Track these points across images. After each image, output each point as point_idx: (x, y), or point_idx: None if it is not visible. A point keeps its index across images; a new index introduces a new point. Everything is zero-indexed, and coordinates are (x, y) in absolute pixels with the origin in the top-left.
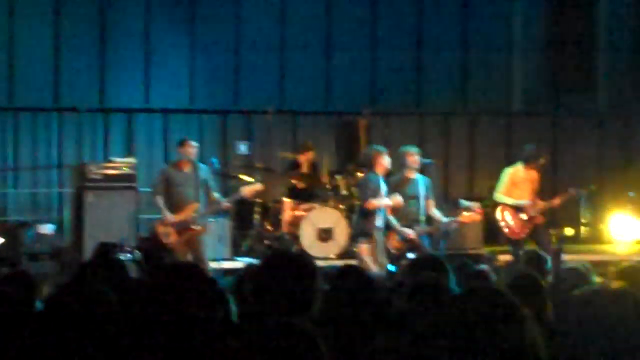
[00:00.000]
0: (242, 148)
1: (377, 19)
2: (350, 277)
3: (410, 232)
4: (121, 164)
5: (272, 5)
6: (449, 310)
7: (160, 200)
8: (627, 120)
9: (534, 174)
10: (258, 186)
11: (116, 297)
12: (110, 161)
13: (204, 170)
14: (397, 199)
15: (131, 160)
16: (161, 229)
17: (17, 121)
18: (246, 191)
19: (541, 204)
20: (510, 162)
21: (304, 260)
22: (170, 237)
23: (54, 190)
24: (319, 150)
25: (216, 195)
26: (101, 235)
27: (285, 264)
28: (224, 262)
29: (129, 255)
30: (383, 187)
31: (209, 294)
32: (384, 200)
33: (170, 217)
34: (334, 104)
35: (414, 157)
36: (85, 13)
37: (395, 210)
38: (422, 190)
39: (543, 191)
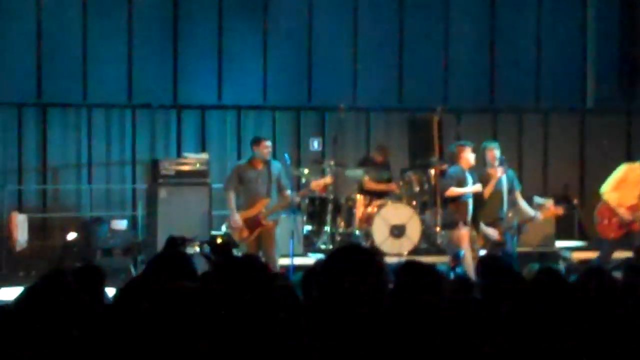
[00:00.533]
0: (315, 145)
1: (449, 16)
2: (413, 271)
3: (495, 233)
4: (194, 160)
5: (345, 2)
6: (519, 302)
7: (231, 197)
8: None
9: None
10: (328, 179)
11: (183, 290)
12: (183, 157)
13: (276, 167)
14: (478, 186)
15: (204, 156)
16: (233, 225)
17: (91, 117)
18: (315, 184)
19: None
20: (584, 159)
21: (370, 254)
22: (242, 233)
23: (127, 186)
24: (392, 147)
25: (288, 192)
26: (174, 231)
27: (352, 259)
28: (296, 258)
29: (197, 249)
30: (469, 180)
31: (274, 287)
32: (466, 189)
33: (237, 216)
34: (407, 101)
35: (492, 152)
36: (159, 10)
37: (478, 207)
38: (505, 186)
39: None
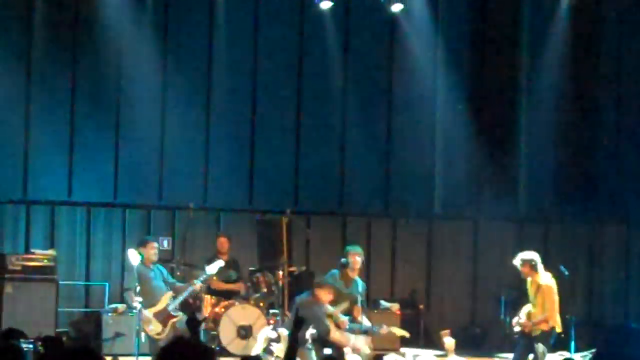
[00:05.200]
0: (165, 244)
1: (301, 121)
2: None
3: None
4: (42, 257)
5: (198, 105)
6: None
7: (132, 296)
8: (547, 225)
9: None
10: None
11: None
12: (31, 253)
13: (161, 267)
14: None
15: (52, 252)
16: (146, 322)
17: None
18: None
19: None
20: (430, 265)
21: (201, 347)
22: (156, 328)
23: None
24: (240, 248)
25: (177, 285)
26: (19, 326)
27: (184, 352)
28: (141, 357)
29: (31, 345)
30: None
31: None
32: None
33: (147, 313)
34: (257, 203)
35: (356, 257)
36: (10, 104)
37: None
38: (361, 290)
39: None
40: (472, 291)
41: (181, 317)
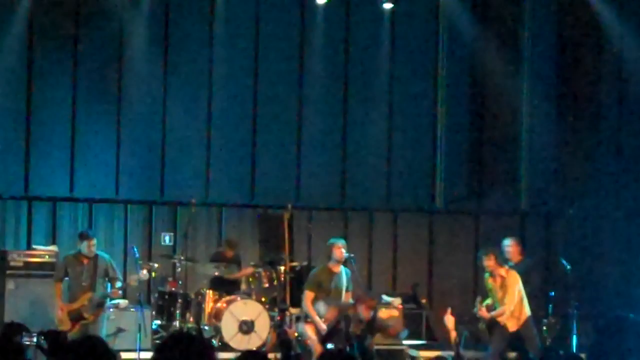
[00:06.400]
0: (167, 239)
1: (302, 117)
2: None
3: (324, 327)
4: (43, 253)
5: (199, 100)
6: None
7: (57, 289)
8: (549, 219)
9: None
10: (143, 274)
11: None
12: (32, 249)
13: (104, 261)
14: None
15: (53, 249)
16: (58, 317)
17: None
18: (131, 280)
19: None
20: (432, 259)
21: (200, 342)
22: (64, 325)
23: None
24: (242, 243)
25: (118, 284)
26: (21, 322)
27: (183, 347)
28: (143, 352)
29: (34, 339)
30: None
31: None
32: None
33: (61, 306)
34: (258, 198)
35: (340, 249)
36: (10, 101)
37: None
38: (344, 283)
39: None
40: (474, 285)
41: (94, 319)
